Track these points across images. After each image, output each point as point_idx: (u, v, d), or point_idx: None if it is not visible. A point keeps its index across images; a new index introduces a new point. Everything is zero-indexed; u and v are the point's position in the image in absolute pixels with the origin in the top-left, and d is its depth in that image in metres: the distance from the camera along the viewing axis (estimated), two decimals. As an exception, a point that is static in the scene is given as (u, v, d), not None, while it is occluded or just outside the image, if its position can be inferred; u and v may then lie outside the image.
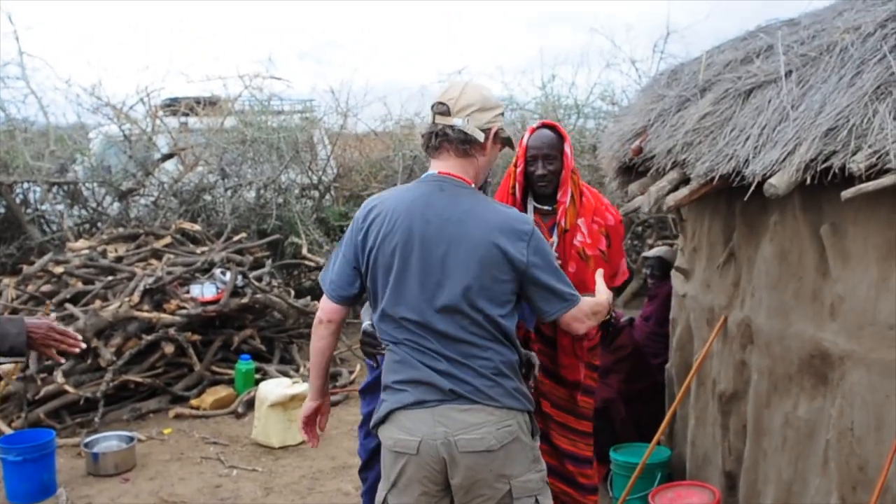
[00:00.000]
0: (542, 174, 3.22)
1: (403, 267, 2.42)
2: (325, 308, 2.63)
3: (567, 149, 3.24)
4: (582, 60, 18.52)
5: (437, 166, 2.52)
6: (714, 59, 4.04)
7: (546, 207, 3.29)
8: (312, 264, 7.55)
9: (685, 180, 3.52)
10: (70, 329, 2.74)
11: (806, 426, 3.25)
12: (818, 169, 2.82)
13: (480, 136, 2.47)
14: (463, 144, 2.47)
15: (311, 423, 2.81)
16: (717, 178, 3.27)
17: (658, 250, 5.47)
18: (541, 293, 2.48)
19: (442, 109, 2.47)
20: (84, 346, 2.71)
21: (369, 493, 3.22)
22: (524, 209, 3.26)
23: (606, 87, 9.37)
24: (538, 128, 3.30)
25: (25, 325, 2.56)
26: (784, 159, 2.95)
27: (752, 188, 3.05)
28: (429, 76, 24.66)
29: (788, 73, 3.35)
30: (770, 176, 2.95)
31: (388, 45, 21.35)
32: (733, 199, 3.66)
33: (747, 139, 3.22)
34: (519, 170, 3.27)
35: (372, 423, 2.58)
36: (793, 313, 3.30)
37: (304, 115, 9.10)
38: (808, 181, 2.85)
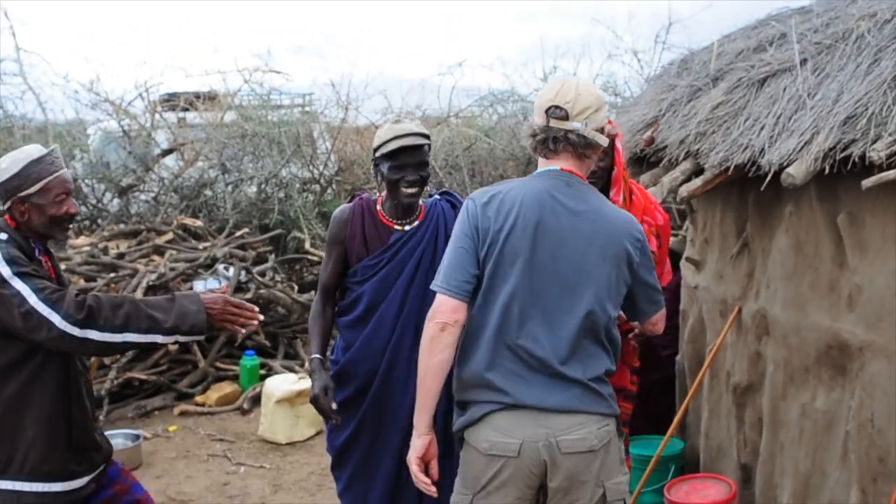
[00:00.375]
0: (593, 171, 3.01)
1: (530, 258, 2.32)
2: (445, 308, 2.33)
3: (618, 144, 3.07)
4: (583, 51, 18.40)
5: (556, 163, 2.42)
6: (725, 48, 4.00)
7: None
8: (315, 259, 7.50)
9: (698, 171, 3.49)
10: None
11: (824, 418, 3.22)
12: (837, 158, 2.78)
13: (605, 142, 2.41)
14: (585, 149, 2.39)
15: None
16: (731, 168, 3.23)
17: (665, 241, 5.43)
18: (646, 293, 2.49)
19: (560, 114, 2.34)
20: (262, 317, 2.59)
21: (346, 494, 3.13)
22: None
23: (608, 79, 9.31)
24: None
25: (203, 302, 2.46)
26: (801, 148, 2.91)
27: (769, 178, 3.02)
28: (428, 69, 24.60)
29: (803, 62, 3.31)
30: (787, 165, 2.92)
31: (387, 45, 21.33)
32: (746, 190, 3.62)
33: (762, 128, 3.19)
34: None
35: (458, 426, 2.43)
36: (809, 304, 3.27)
37: (305, 108, 9.02)
38: (826, 170, 2.82)
